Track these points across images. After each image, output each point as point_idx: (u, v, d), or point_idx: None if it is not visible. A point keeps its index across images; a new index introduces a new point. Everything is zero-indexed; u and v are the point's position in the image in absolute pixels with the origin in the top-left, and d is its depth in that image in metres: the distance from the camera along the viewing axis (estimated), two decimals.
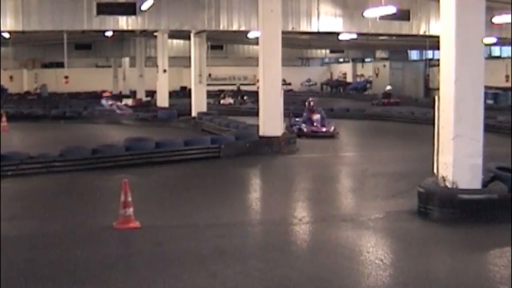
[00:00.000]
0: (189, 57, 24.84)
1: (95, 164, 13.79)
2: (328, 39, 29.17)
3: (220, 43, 35.71)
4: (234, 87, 41.83)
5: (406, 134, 20.82)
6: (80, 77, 38.69)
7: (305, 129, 19.57)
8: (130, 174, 12.10)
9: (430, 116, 14.53)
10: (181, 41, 33.27)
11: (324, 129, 19.68)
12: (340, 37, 24.84)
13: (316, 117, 20.07)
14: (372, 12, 17.87)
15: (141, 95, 33.84)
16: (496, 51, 36.58)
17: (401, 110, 26.26)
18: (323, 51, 43.13)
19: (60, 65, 31.73)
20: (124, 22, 18.54)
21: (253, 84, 39.24)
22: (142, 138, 15.64)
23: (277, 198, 11.12)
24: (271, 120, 16.18)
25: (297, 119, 20.49)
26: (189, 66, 24.97)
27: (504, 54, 35.87)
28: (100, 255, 7.46)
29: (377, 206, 9.95)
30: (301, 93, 42.66)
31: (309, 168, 14.53)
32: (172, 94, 30.74)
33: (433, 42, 20.48)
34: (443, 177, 9.01)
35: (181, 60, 33.38)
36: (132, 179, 9.67)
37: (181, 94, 37.25)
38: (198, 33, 23.38)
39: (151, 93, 32.33)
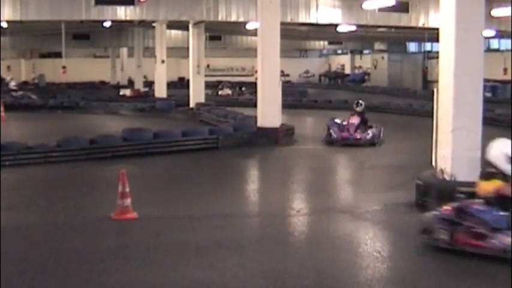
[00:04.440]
0: (188, 48, 24.81)
1: (93, 154, 13.79)
2: (326, 30, 29.10)
3: (219, 34, 35.60)
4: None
5: (404, 126, 20.80)
6: (77, 67, 38.58)
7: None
8: (128, 164, 12.08)
9: (428, 109, 14.51)
10: (179, 32, 33.19)
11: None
12: (339, 29, 24.80)
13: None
14: (371, 4, 17.86)
15: (139, 86, 33.78)
16: (494, 43, 36.52)
17: (400, 102, 26.23)
18: (321, 42, 43.09)
19: (58, 55, 31.65)
20: (122, 12, 18.51)
21: (251, 75, 39.15)
22: (140, 129, 15.61)
23: (275, 190, 11.11)
24: (269, 112, 16.15)
25: None
26: (187, 56, 24.94)
27: (502, 47, 35.82)
28: (97, 245, 7.45)
29: (375, 198, 9.93)
30: (299, 84, 42.68)
31: (306, 160, 14.51)
32: (170, 85, 30.67)
33: (432, 35, 20.43)
34: (441, 169, 9.01)
35: (179, 51, 33.30)
36: (130, 170, 9.66)
37: (180, 85, 37.15)
38: (196, 23, 23.33)
39: (149, 84, 32.28)
